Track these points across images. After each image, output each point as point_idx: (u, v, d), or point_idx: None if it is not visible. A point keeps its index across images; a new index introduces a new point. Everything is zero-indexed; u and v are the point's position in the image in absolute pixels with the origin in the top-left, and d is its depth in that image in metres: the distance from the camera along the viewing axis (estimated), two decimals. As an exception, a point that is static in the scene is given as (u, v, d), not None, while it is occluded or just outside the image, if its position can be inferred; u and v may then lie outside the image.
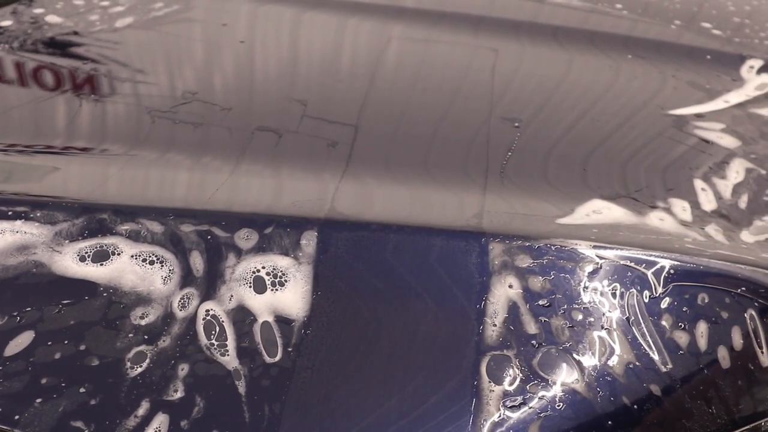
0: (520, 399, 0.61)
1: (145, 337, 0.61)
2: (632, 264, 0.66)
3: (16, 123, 0.85)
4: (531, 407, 0.61)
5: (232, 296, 0.64)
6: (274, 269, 0.65)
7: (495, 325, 0.63)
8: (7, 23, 1.10)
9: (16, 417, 0.57)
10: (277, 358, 0.61)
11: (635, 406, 0.62)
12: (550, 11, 1.31)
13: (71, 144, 0.81)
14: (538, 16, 1.28)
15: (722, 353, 0.65)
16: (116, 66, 0.98)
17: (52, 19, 1.12)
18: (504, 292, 0.65)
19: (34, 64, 0.98)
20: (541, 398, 0.61)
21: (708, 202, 0.79)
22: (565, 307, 0.65)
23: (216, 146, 0.80)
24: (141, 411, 0.58)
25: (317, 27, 1.13)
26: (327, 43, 1.07)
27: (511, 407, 0.61)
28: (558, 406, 0.61)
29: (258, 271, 0.65)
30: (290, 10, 1.18)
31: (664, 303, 0.65)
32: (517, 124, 0.89)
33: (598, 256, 0.66)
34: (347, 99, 0.92)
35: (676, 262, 0.67)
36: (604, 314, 0.64)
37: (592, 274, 0.66)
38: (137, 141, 0.81)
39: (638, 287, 0.66)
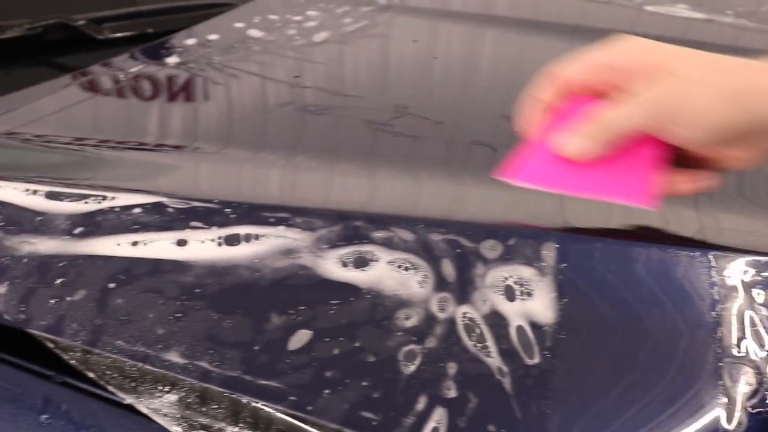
0: (762, 404, 0.65)
1: (413, 337, 0.67)
2: None
3: (246, 133, 0.92)
4: (772, 412, 0.65)
5: (485, 301, 0.69)
6: (520, 278, 0.70)
7: (731, 335, 0.68)
8: (214, 37, 1.17)
9: (309, 408, 0.63)
10: (536, 360, 0.66)
11: None
12: (669, 22, 1.34)
13: (302, 158, 0.88)
14: (668, 29, 1.31)
15: None
16: (326, 79, 1.04)
17: (254, 33, 1.19)
18: (736, 303, 0.69)
19: (251, 77, 1.05)
20: (781, 404, 0.66)
21: None
22: (794, 318, 0.69)
23: (439, 159, 0.85)
24: (420, 406, 0.64)
25: (503, 44, 1.18)
26: (517, 61, 1.12)
27: (755, 412, 0.65)
28: (799, 411, 0.65)
29: (506, 279, 0.70)
30: (472, 27, 1.24)
31: None
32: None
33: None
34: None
35: None
36: (832, 325, 0.68)
37: (817, 287, 0.70)
38: (365, 153, 0.87)
39: None
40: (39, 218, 0.76)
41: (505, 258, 0.72)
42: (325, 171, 0.86)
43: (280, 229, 0.73)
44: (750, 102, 0.61)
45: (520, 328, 0.67)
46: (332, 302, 0.68)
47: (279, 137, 0.96)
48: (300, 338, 0.66)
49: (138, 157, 0.91)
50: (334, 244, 0.72)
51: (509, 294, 0.69)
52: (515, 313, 0.68)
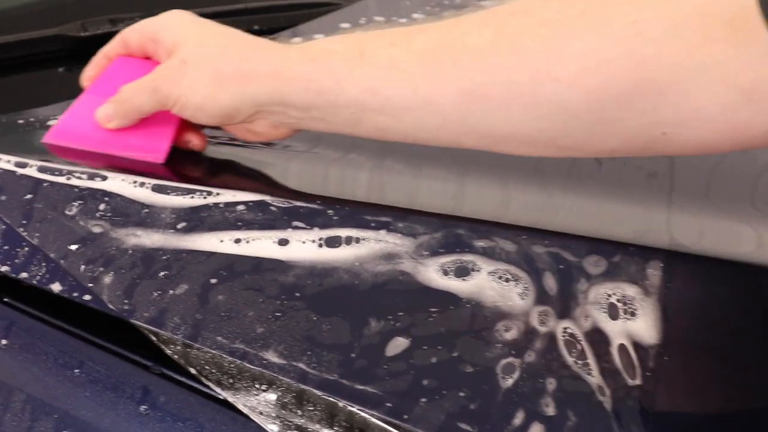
0: None
1: (512, 350, 0.66)
2: None
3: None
4: None
5: (587, 317, 0.68)
6: (624, 296, 0.69)
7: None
8: (319, 36, 1.18)
9: (405, 416, 0.62)
10: (637, 381, 0.65)
11: None
12: None
13: (392, 161, 0.88)
14: None
15: None
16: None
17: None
18: None
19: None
20: None
21: None
22: None
23: (543, 168, 0.84)
24: (517, 420, 0.63)
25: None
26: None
27: None
28: None
29: (609, 296, 0.69)
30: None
31: None
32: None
33: None
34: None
35: None
36: None
37: None
38: (458, 159, 0.86)
39: None
40: (145, 211, 0.77)
41: (609, 274, 0.70)
42: (414, 174, 0.86)
43: (382, 234, 0.73)
44: (231, 84, 0.67)
45: (622, 347, 0.66)
46: (431, 310, 0.68)
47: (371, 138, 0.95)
48: (398, 345, 0.66)
49: (232, 153, 0.92)
50: (435, 252, 0.72)
51: (612, 312, 0.68)
52: (618, 331, 0.67)
